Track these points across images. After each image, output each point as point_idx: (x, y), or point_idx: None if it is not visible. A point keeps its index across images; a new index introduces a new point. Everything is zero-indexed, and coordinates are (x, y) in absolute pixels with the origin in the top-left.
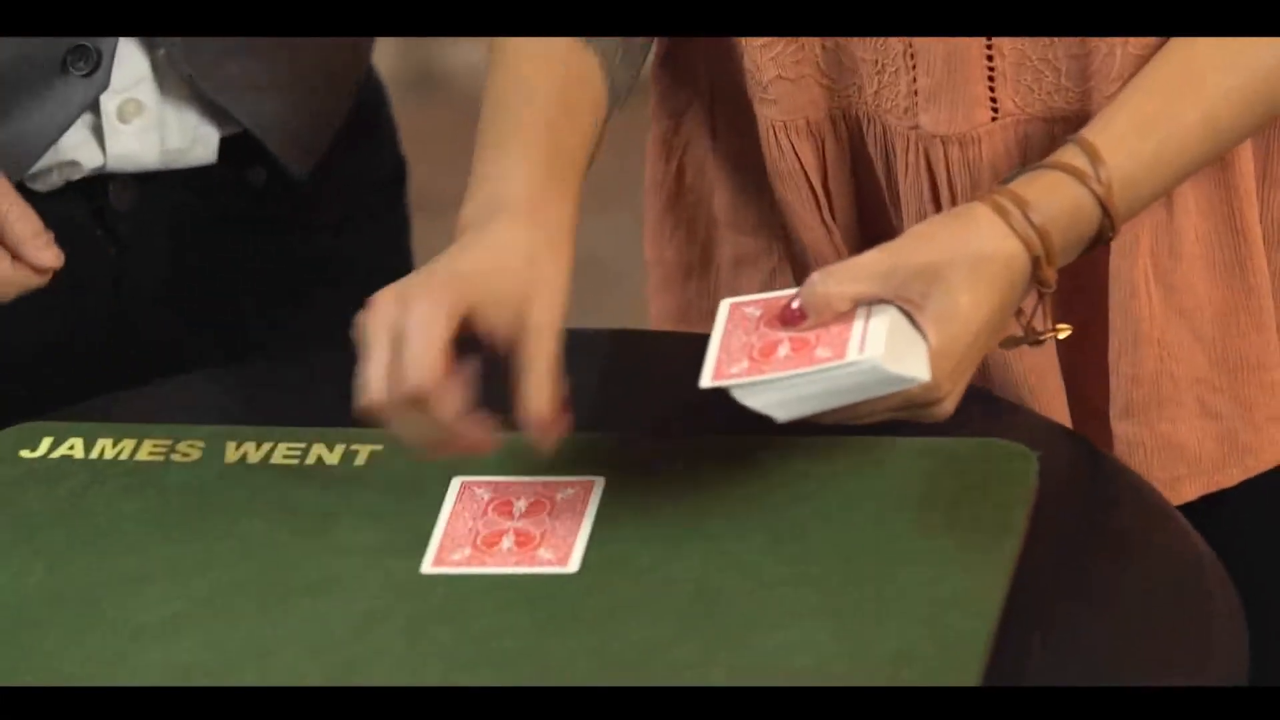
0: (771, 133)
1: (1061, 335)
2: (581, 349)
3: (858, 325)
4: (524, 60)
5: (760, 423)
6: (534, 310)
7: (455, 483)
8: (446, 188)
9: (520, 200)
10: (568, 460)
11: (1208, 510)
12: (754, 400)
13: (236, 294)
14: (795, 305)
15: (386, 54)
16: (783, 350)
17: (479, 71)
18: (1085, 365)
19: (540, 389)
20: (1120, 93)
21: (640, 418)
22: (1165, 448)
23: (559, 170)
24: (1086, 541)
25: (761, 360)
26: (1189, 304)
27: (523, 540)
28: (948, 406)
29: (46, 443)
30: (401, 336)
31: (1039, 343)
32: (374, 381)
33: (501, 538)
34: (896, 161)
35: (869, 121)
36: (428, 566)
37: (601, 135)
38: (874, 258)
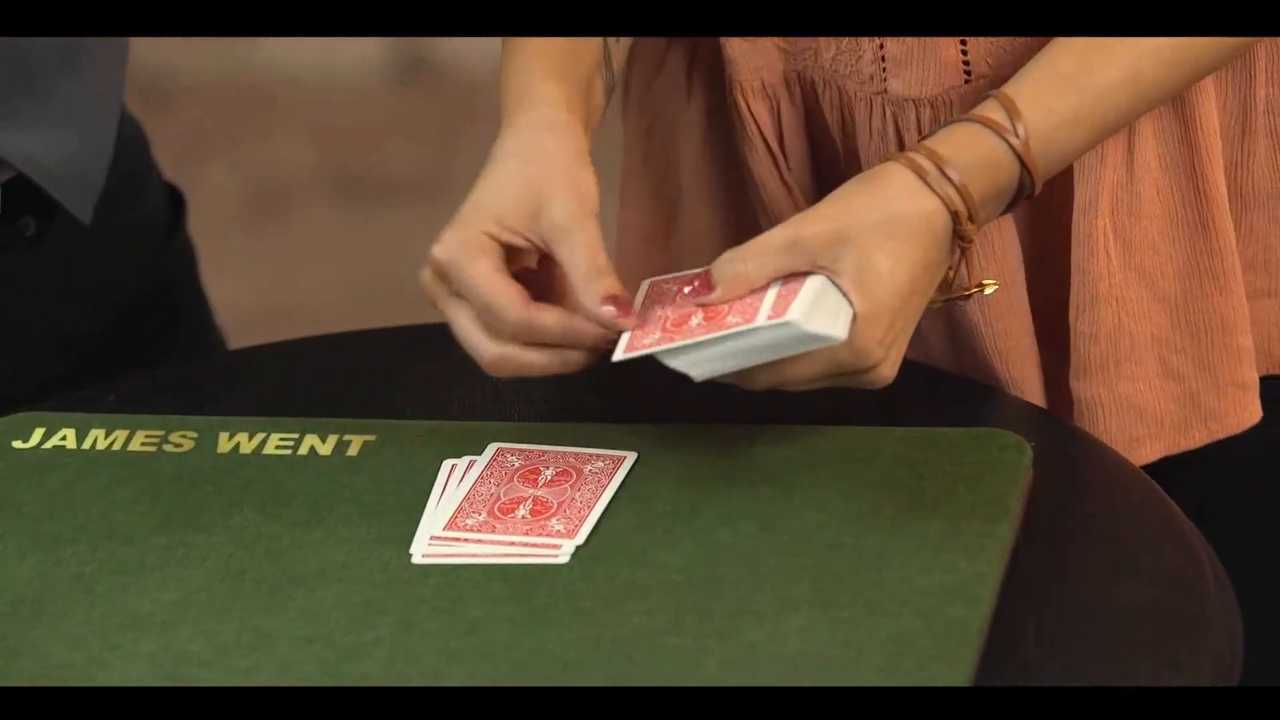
0: (730, 92)
1: (988, 290)
2: None
3: (770, 292)
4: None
5: (751, 413)
6: (550, 210)
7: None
8: (437, 174)
9: (514, 103)
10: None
11: (1171, 473)
12: (673, 361)
13: (40, 346)
14: (702, 281)
15: (377, 43)
16: (695, 320)
17: (469, 60)
18: (1058, 328)
19: (585, 288)
20: (1044, 48)
21: (625, 408)
22: (1124, 408)
23: (554, 64)
24: (1079, 528)
25: (674, 330)
26: (1149, 263)
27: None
28: (885, 372)
29: (38, 433)
30: (468, 296)
31: (965, 299)
32: (480, 349)
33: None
34: (858, 126)
35: (825, 85)
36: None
37: (604, 81)
38: (779, 232)
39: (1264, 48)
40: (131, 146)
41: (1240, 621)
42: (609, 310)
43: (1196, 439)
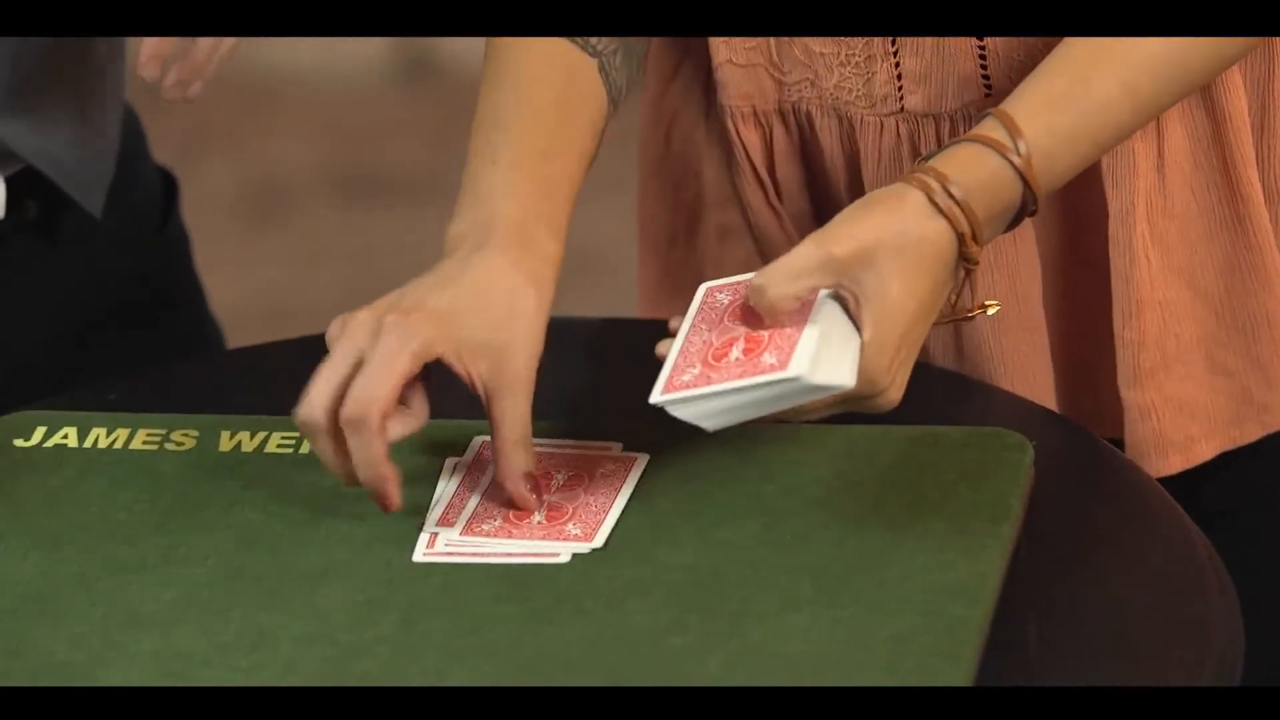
0: (720, 116)
1: (990, 312)
2: (570, 337)
3: (809, 331)
4: (523, 70)
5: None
6: (510, 363)
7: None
8: (438, 174)
9: (510, 231)
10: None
11: (1220, 468)
12: (679, 411)
13: (40, 333)
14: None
15: (379, 43)
16: (735, 352)
17: (471, 61)
18: (1076, 337)
19: (513, 454)
20: (1040, 64)
21: (629, 408)
22: (1177, 409)
23: (552, 200)
24: (1081, 528)
25: (713, 365)
26: (1186, 261)
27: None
28: (892, 396)
29: (40, 432)
30: (363, 362)
31: (968, 319)
32: (316, 397)
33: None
34: (865, 151)
35: (823, 115)
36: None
37: (599, 142)
38: (809, 252)
39: None
40: (131, 135)
41: (1241, 622)
42: (523, 490)
43: (1251, 433)
